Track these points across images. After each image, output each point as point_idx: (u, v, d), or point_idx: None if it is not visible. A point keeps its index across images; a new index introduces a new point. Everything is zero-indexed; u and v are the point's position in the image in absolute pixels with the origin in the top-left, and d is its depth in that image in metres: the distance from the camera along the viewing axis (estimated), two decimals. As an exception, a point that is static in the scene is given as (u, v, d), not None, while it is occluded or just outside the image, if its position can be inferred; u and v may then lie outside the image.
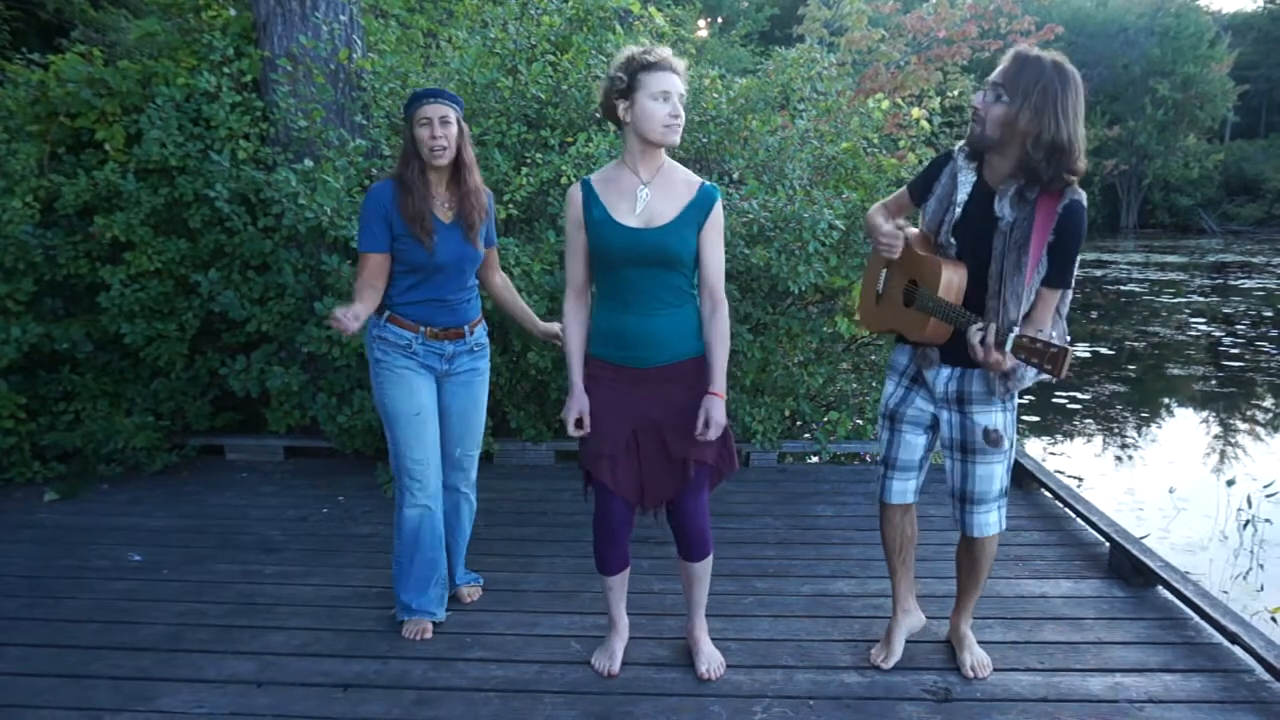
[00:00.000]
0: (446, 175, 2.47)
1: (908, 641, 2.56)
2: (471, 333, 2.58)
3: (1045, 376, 1.92)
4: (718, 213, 2.19)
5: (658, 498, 2.27)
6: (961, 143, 2.19)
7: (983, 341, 1.95)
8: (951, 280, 2.11)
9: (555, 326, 2.73)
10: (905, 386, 2.35)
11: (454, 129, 2.39)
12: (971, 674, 2.40)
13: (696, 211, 2.15)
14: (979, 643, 2.52)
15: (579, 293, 2.26)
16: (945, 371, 2.24)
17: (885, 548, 2.51)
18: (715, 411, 2.16)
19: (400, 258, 2.44)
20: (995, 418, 2.20)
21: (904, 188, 2.36)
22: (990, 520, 2.28)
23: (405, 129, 2.41)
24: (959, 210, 2.14)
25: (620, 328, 2.17)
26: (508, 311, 2.78)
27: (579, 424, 2.22)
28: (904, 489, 2.40)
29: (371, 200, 2.41)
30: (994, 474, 2.24)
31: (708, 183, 2.20)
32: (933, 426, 2.35)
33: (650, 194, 2.14)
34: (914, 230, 2.33)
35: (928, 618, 2.67)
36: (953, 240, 2.15)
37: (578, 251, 2.22)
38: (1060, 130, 1.92)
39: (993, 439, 2.20)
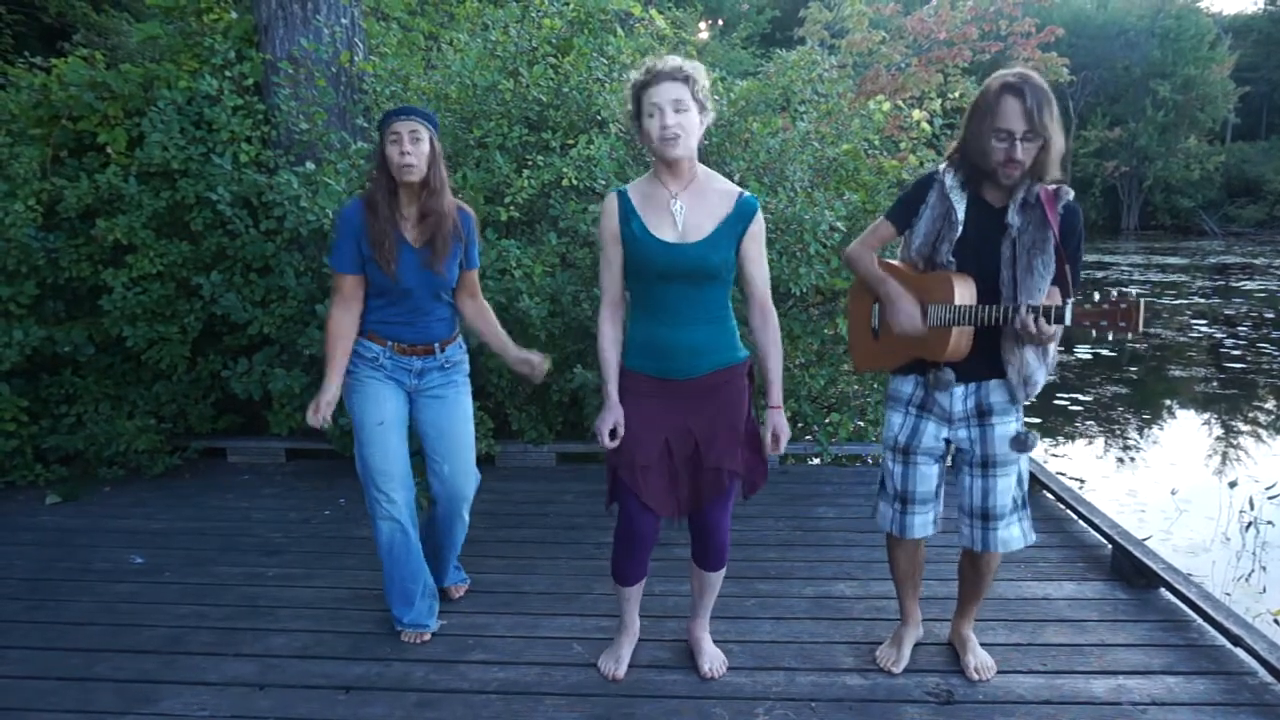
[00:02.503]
0: (418, 195, 2.40)
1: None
2: (442, 350, 2.52)
3: (1115, 337, 1.88)
4: (759, 223, 2.14)
5: (688, 506, 2.25)
6: (944, 165, 2.21)
7: (1037, 320, 1.96)
8: (965, 291, 2.10)
9: (530, 355, 2.65)
10: (915, 416, 2.29)
11: (425, 146, 2.34)
12: (976, 675, 2.39)
13: (735, 224, 2.10)
14: (981, 645, 2.52)
15: (614, 305, 2.22)
16: (960, 389, 2.22)
17: (898, 575, 2.49)
18: (781, 424, 2.19)
19: (370, 279, 2.42)
20: (1012, 428, 2.21)
21: (882, 220, 2.30)
22: (1014, 534, 2.27)
23: (377, 147, 2.38)
24: (960, 228, 2.14)
25: (658, 341, 2.14)
26: (480, 335, 2.70)
27: (613, 434, 2.18)
28: (925, 522, 2.35)
29: (342, 221, 2.39)
30: (1012, 485, 2.25)
31: (747, 193, 2.15)
32: (943, 455, 2.34)
33: (684, 206, 2.10)
34: (892, 262, 2.31)
35: (928, 619, 2.67)
36: (952, 259, 2.15)
37: (613, 264, 2.18)
38: (1063, 138, 2.05)
39: (1021, 443, 2.19)
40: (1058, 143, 2.01)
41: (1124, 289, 1.94)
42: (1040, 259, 2.06)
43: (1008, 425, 2.21)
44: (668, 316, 2.12)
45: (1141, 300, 1.82)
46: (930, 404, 2.26)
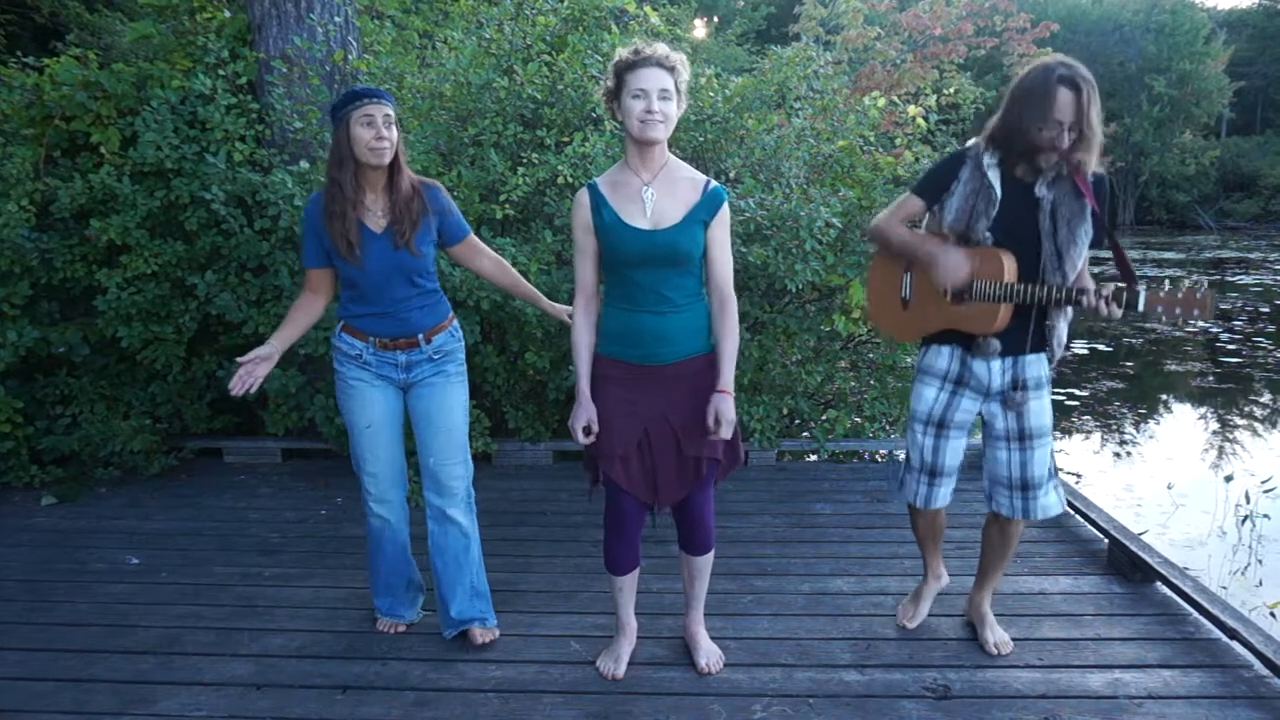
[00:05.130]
0: (383, 179, 2.30)
1: (907, 639, 2.58)
2: (428, 341, 2.41)
3: (1188, 324, 2.03)
4: (725, 213, 2.17)
5: (670, 496, 2.25)
6: (976, 141, 2.24)
7: (1108, 303, 2.02)
8: (1012, 267, 2.15)
9: (564, 308, 2.60)
10: (950, 391, 2.34)
11: (395, 130, 2.25)
12: (995, 651, 2.46)
13: (703, 211, 2.14)
14: (976, 640, 2.54)
15: (588, 297, 2.25)
16: (997, 363, 2.27)
17: (919, 537, 2.61)
18: (725, 409, 2.15)
19: (339, 271, 2.35)
20: (1045, 401, 2.31)
21: (909, 195, 2.33)
22: (1053, 501, 2.35)
23: (338, 130, 2.22)
24: (998, 206, 2.17)
25: (632, 327, 2.17)
26: (511, 293, 2.64)
27: (586, 431, 2.20)
28: (948, 493, 2.44)
29: (305, 217, 2.33)
30: (1048, 455, 2.34)
31: (715, 183, 2.18)
32: (972, 428, 2.41)
33: (654, 194, 2.13)
34: (920, 233, 2.34)
35: (927, 615, 2.69)
36: (988, 234, 2.18)
37: (586, 255, 2.21)
38: (1100, 139, 2.07)
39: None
40: (1099, 135, 2.04)
41: (1195, 280, 2.01)
42: (1082, 228, 2.13)
43: (1042, 399, 2.28)
44: (642, 302, 2.15)
45: (1210, 291, 1.94)
46: (967, 378, 2.31)
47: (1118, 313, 2.03)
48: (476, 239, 2.53)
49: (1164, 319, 2.00)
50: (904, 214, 2.34)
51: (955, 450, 2.39)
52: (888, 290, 2.46)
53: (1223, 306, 12.24)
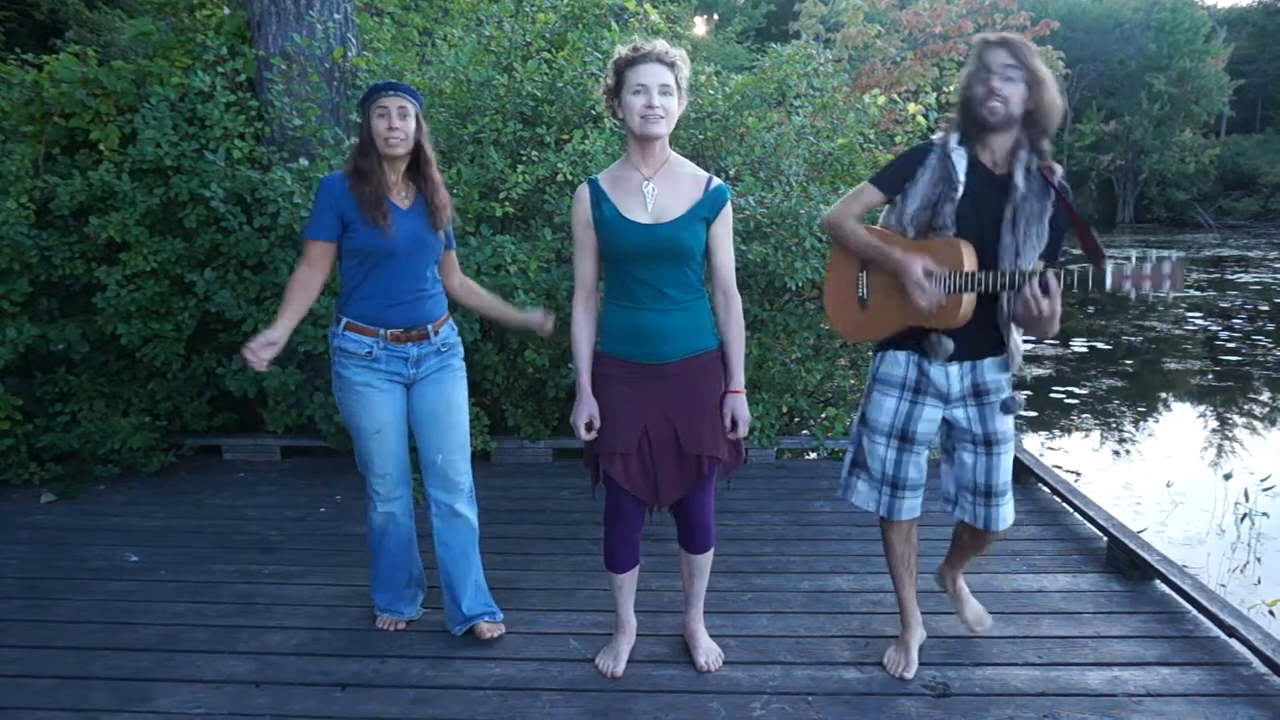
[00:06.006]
0: (402, 168, 2.39)
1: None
2: (436, 332, 2.45)
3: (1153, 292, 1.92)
4: (728, 210, 2.19)
5: (669, 495, 2.24)
6: (943, 131, 2.22)
7: (1073, 283, 1.97)
8: (971, 257, 2.09)
9: (530, 314, 2.63)
10: (910, 400, 2.27)
11: (412, 122, 2.32)
12: (978, 628, 2.50)
13: (706, 208, 2.14)
14: (977, 638, 2.55)
15: (588, 293, 2.25)
16: (955, 369, 2.21)
17: (893, 563, 2.45)
18: (740, 409, 2.20)
19: (352, 246, 2.34)
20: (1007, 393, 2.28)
21: (867, 185, 2.25)
22: (1010, 511, 2.30)
23: (362, 121, 2.35)
24: (961, 188, 2.11)
25: (633, 324, 2.16)
26: (475, 309, 2.75)
27: (589, 427, 2.20)
28: (915, 505, 2.36)
29: (322, 191, 2.34)
30: (1010, 461, 2.29)
31: (718, 180, 2.18)
32: (934, 440, 2.35)
33: (655, 189, 2.13)
34: (877, 229, 2.26)
35: (923, 614, 2.68)
36: (952, 221, 2.12)
37: (587, 251, 2.21)
38: (1059, 99, 2.07)
39: (1009, 406, 2.23)
40: (1050, 87, 2.04)
41: (1162, 254, 1.94)
42: (1037, 228, 2.09)
43: (1004, 395, 2.24)
44: (643, 299, 2.14)
45: (1184, 260, 1.91)
46: (925, 385, 2.24)
47: (1048, 307, 1.97)
48: (455, 259, 2.64)
49: (1134, 292, 1.93)
50: (861, 205, 2.26)
51: (919, 464, 2.31)
52: (844, 289, 2.36)
53: (1222, 305, 12.25)
